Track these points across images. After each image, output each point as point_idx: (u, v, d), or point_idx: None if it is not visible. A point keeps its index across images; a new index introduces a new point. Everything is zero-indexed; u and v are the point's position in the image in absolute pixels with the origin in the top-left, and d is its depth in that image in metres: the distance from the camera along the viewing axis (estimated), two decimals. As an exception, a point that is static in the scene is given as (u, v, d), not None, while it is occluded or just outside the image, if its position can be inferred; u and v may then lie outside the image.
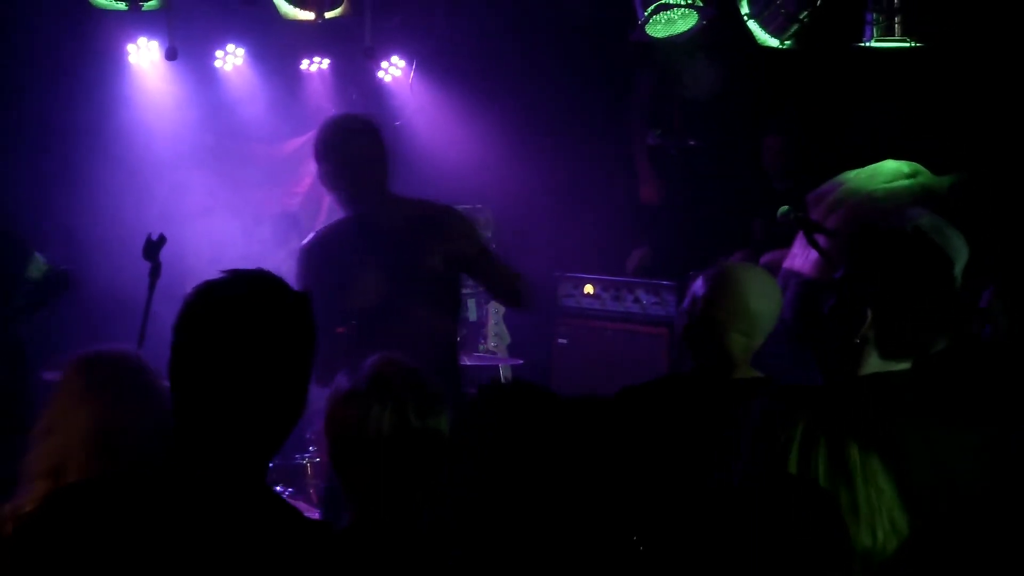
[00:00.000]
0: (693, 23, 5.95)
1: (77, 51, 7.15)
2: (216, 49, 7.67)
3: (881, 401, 2.60)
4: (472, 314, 8.05)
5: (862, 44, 5.81)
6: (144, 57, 7.39)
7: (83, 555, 2.19)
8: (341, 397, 2.90)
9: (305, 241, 4.92)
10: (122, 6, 5.76)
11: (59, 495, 2.31)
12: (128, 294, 5.55)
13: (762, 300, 3.73)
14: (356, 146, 4.72)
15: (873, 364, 2.99)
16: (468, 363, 6.52)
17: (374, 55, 7.45)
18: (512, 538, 2.52)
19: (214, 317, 2.28)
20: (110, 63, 7.38)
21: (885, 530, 2.33)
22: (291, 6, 5.96)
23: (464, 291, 8.11)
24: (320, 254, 4.78)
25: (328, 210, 8.21)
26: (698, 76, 7.35)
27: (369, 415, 2.82)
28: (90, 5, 5.85)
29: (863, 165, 6.08)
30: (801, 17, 5.90)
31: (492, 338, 7.42)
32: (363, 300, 4.65)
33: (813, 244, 5.44)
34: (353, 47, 7.34)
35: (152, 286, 4.70)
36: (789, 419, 2.39)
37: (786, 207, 5.27)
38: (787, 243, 6.91)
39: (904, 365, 3.00)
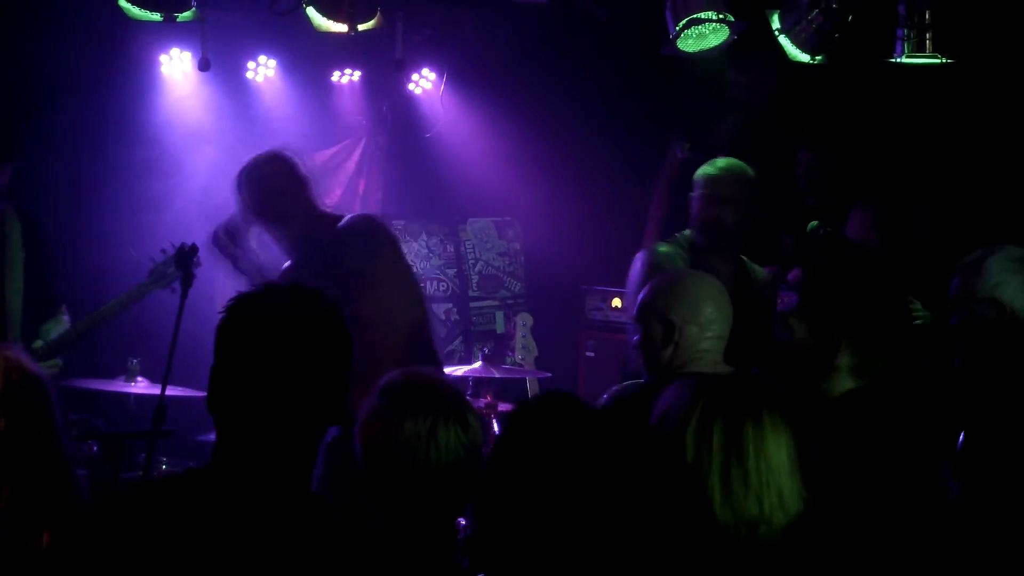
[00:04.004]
0: (724, 37, 5.93)
1: (110, 61, 7.20)
2: (248, 60, 7.72)
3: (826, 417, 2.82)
4: (499, 327, 8.07)
5: (893, 60, 5.79)
6: (176, 68, 7.44)
7: (134, 565, 2.20)
8: (391, 416, 2.86)
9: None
10: (157, 17, 5.79)
11: (105, 503, 2.32)
12: (159, 303, 5.58)
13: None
14: (266, 174, 5.14)
15: (843, 383, 3.14)
16: (497, 375, 6.54)
17: (405, 67, 7.48)
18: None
19: (252, 329, 2.30)
20: (143, 73, 7.43)
21: (771, 503, 2.54)
22: (324, 18, 5.97)
23: (490, 303, 8.17)
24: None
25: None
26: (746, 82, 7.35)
27: (436, 431, 2.82)
28: (124, 16, 5.88)
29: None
30: (832, 32, 5.88)
31: (519, 351, 7.42)
32: None
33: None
34: (384, 59, 7.36)
35: (184, 295, 4.72)
36: (692, 400, 2.61)
37: (816, 222, 5.26)
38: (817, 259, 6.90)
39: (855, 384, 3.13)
